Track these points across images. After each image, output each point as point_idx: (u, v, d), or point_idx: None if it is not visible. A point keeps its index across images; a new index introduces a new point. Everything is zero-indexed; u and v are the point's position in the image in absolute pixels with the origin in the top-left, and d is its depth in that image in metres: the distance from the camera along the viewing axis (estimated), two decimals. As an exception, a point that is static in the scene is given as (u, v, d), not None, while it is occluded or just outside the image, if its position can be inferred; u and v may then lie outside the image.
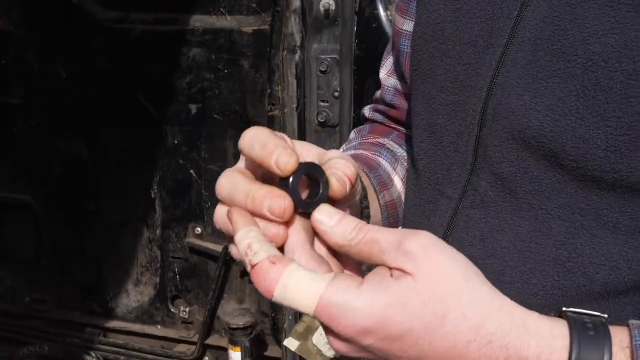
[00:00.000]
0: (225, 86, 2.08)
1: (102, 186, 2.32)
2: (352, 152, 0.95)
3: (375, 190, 0.88)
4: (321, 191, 0.58)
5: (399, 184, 0.94)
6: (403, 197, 0.95)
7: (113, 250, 2.37)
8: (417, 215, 0.80)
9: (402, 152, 0.98)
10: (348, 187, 0.59)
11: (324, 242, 0.59)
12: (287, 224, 0.58)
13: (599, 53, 0.59)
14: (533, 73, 0.64)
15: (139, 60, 2.15)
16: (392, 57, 1.00)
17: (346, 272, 0.62)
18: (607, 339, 0.53)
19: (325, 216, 0.57)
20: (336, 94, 1.76)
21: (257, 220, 0.57)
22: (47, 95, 2.28)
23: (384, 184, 0.90)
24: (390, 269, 0.56)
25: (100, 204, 2.34)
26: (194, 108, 2.14)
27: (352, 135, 1.06)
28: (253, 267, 0.55)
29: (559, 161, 0.63)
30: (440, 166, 0.76)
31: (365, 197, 0.80)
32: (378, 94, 1.05)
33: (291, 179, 0.57)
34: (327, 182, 0.58)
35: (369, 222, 0.78)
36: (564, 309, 0.57)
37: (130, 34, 2.13)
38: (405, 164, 0.97)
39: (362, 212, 0.79)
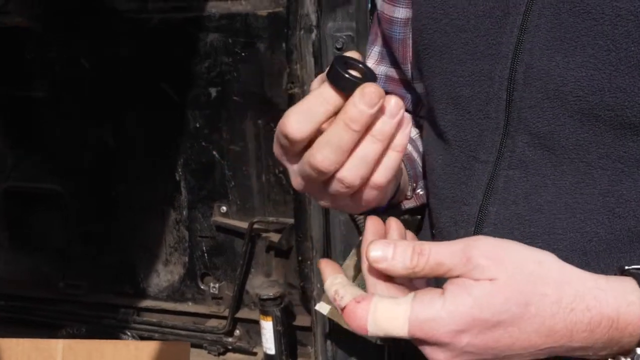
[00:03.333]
0: (243, 69, 2.15)
1: (128, 172, 2.41)
2: None
3: None
4: (364, 67, 0.58)
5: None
6: (415, 156, 0.98)
7: (142, 233, 2.46)
8: (451, 182, 0.83)
9: None
10: None
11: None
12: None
13: (626, 8, 0.63)
14: (559, 35, 0.67)
15: (159, 48, 2.23)
16: (377, 46, 1.02)
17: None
18: None
19: (379, 252, 0.60)
20: (353, 70, 1.83)
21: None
22: (71, 87, 2.36)
23: None
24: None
25: (127, 189, 2.43)
26: (213, 91, 2.21)
27: None
28: (342, 310, 0.60)
29: (595, 113, 0.66)
30: (471, 134, 0.78)
31: None
32: None
33: (346, 75, 0.56)
34: (357, 59, 0.59)
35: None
36: (626, 267, 0.62)
37: (148, 23, 2.21)
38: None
39: None
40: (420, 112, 1.02)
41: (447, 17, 0.78)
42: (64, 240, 2.55)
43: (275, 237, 2.24)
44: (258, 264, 2.35)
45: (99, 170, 2.44)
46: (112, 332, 2.47)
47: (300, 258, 2.13)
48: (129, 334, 2.47)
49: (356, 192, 0.63)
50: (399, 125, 0.60)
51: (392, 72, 1.01)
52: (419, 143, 1.01)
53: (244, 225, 2.27)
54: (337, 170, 0.60)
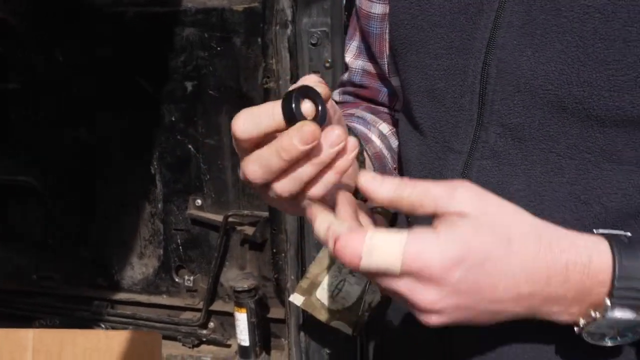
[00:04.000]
0: (219, 63, 2.17)
1: (104, 165, 2.41)
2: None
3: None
4: (319, 105, 0.61)
5: (377, 141, 0.99)
6: (385, 153, 1.00)
7: (116, 226, 2.47)
8: (426, 172, 0.86)
9: (371, 117, 1.03)
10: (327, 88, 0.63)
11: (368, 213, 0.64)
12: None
13: (593, 6, 0.66)
14: (530, 31, 0.70)
15: (134, 41, 2.23)
16: (355, 41, 1.05)
17: None
18: (638, 242, 0.63)
19: (369, 177, 0.62)
20: (327, 65, 1.86)
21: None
22: (46, 80, 2.35)
23: (366, 139, 0.95)
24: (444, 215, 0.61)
25: (102, 182, 2.43)
26: (189, 85, 2.22)
27: None
28: (336, 241, 0.59)
29: (564, 105, 0.69)
30: (446, 125, 0.81)
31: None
32: (345, 76, 1.09)
33: (293, 105, 0.59)
34: (320, 95, 0.61)
35: (364, 167, 0.85)
36: (595, 230, 0.65)
37: (123, 16, 2.21)
38: (377, 126, 1.02)
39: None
40: (396, 105, 1.05)
41: (424, 13, 0.81)
42: (38, 232, 2.55)
43: (249, 230, 2.26)
44: (232, 256, 2.37)
45: (74, 163, 2.44)
46: (85, 324, 2.48)
47: (274, 251, 2.15)
48: (103, 326, 2.47)
49: (295, 199, 0.65)
50: (342, 151, 0.61)
51: (369, 67, 1.04)
52: (392, 140, 1.04)
53: (218, 218, 2.29)
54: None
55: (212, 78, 2.19)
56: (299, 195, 0.64)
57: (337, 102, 1.13)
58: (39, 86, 2.38)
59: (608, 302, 0.61)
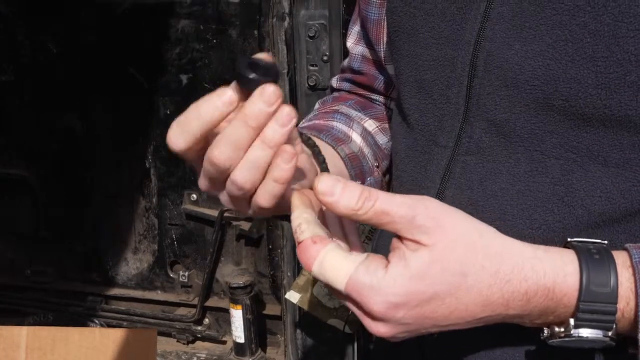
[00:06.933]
0: (215, 55, 2.14)
1: (97, 158, 2.38)
2: (306, 124, 0.97)
3: (331, 146, 0.91)
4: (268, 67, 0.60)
5: (357, 139, 0.97)
6: (365, 151, 0.98)
7: (110, 221, 2.44)
8: (412, 165, 0.84)
9: (356, 114, 1.01)
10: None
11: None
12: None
13: None
14: (520, 23, 0.68)
15: (129, 33, 2.19)
16: (357, 26, 1.03)
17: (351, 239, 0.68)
18: (611, 260, 0.60)
19: (328, 187, 0.60)
20: (325, 58, 1.83)
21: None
22: (38, 71, 2.32)
23: (339, 139, 0.93)
24: (402, 239, 0.60)
25: (96, 176, 2.40)
26: (184, 78, 2.19)
27: (317, 105, 1.09)
28: (299, 243, 0.61)
29: (550, 102, 0.67)
30: (432, 118, 0.80)
31: (319, 152, 0.82)
32: (345, 62, 1.08)
33: (248, 72, 0.59)
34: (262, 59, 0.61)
35: (326, 168, 0.82)
36: (568, 239, 0.63)
37: (118, 7, 2.17)
38: (362, 123, 1.00)
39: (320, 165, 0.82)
40: (392, 94, 1.04)
41: (416, 1, 0.79)
42: (31, 226, 2.51)
43: (245, 226, 2.24)
44: (228, 252, 2.34)
45: (68, 156, 2.40)
46: (79, 320, 2.46)
47: (270, 247, 2.13)
48: (96, 322, 2.45)
49: (251, 201, 0.65)
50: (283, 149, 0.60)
51: (367, 53, 1.03)
52: (379, 137, 1.03)
53: (214, 213, 2.26)
54: (231, 170, 0.62)
55: (208, 71, 2.16)
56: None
57: (334, 89, 1.11)
58: (31, 77, 2.34)
59: (572, 322, 0.61)
